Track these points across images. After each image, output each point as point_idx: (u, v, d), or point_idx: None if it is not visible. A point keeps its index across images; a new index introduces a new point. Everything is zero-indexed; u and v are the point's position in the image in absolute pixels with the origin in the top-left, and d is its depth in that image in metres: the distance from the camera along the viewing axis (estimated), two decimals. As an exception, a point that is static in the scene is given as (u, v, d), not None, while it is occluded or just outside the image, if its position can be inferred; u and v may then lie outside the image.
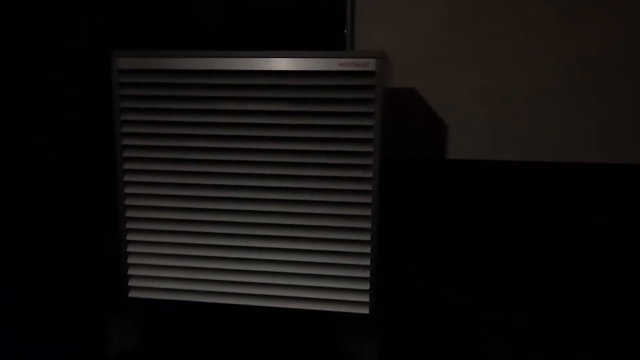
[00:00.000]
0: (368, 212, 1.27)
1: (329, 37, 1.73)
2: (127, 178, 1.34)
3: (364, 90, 1.23)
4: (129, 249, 1.37)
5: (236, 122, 1.28)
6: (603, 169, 1.63)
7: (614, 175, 1.63)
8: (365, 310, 1.31)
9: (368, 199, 1.27)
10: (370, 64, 1.21)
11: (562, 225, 1.65)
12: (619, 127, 1.62)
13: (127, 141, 1.32)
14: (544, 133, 1.64)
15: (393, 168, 1.48)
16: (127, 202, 1.35)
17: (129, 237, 1.36)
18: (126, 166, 1.34)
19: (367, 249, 1.29)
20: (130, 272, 1.37)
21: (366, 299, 1.31)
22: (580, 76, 1.61)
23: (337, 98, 1.25)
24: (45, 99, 1.52)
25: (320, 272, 1.32)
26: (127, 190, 1.35)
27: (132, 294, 1.38)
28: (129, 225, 1.36)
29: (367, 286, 1.31)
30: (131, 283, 1.38)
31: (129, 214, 1.36)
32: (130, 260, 1.37)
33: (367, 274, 1.30)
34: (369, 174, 1.26)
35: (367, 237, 1.29)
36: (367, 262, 1.30)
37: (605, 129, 1.62)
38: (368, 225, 1.28)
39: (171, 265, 1.36)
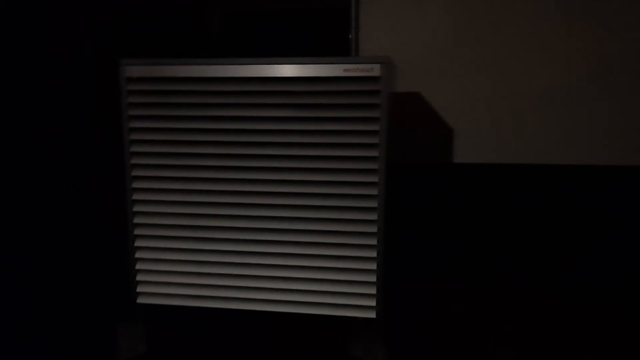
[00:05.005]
0: (374, 217, 1.28)
1: (333, 43, 1.74)
2: (135, 184, 1.35)
3: (370, 96, 1.24)
4: (138, 254, 1.38)
5: (243, 129, 1.29)
6: (609, 172, 1.62)
7: (620, 177, 1.62)
8: (372, 315, 1.31)
9: (374, 204, 1.27)
10: (375, 70, 1.22)
11: (568, 228, 1.65)
12: (624, 129, 1.61)
13: (135, 148, 1.34)
14: (549, 136, 1.64)
15: (399, 172, 1.48)
16: (136, 208, 1.36)
17: (138, 243, 1.38)
18: (134, 173, 1.35)
19: (374, 254, 1.29)
20: (139, 278, 1.38)
21: (373, 303, 1.31)
22: (586, 79, 1.61)
23: (342, 103, 1.25)
24: (55, 107, 1.54)
25: (328, 277, 1.32)
26: (136, 196, 1.36)
27: (140, 300, 1.39)
28: (137, 232, 1.37)
29: (373, 290, 1.31)
30: (140, 289, 1.39)
31: (137, 220, 1.37)
32: (139, 266, 1.38)
33: (373, 278, 1.30)
34: (375, 179, 1.26)
35: (374, 242, 1.29)
36: (374, 266, 1.30)
37: (611, 132, 1.62)
38: (374, 229, 1.28)
39: (180, 271, 1.37)
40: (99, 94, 1.62)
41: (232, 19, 1.83)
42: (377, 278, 1.30)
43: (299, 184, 1.30)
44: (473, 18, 1.62)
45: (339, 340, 1.41)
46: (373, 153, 1.25)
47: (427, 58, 1.65)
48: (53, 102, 1.54)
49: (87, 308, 1.59)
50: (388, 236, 1.28)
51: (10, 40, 1.41)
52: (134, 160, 1.34)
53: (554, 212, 1.65)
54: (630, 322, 1.53)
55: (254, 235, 1.33)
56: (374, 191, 1.27)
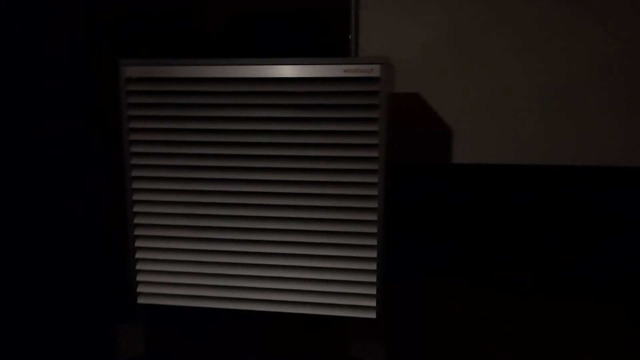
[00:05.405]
0: (374, 217, 1.28)
1: (333, 43, 1.74)
2: (135, 185, 1.35)
3: (369, 96, 1.24)
4: (138, 255, 1.38)
5: (243, 129, 1.29)
6: (609, 172, 1.62)
7: (620, 178, 1.62)
8: (372, 315, 1.31)
9: (374, 204, 1.27)
10: (374, 70, 1.22)
11: (568, 228, 1.65)
12: (624, 130, 1.61)
13: (135, 148, 1.34)
14: (549, 137, 1.64)
15: (398, 173, 1.48)
16: (136, 208, 1.36)
17: (138, 243, 1.38)
18: (134, 173, 1.35)
19: (374, 254, 1.29)
20: (139, 278, 1.38)
21: (373, 303, 1.31)
22: (586, 80, 1.61)
23: (342, 104, 1.25)
24: (55, 107, 1.54)
25: (328, 277, 1.32)
26: (136, 196, 1.36)
27: (141, 300, 1.39)
28: (137, 232, 1.37)
29: (373, 290, 1.31)
30: (140, 289, 1.39)
31: (137, 220, 1.37)
32: (139, 266, 1.38)
33: (373, 279, 1.30)
34: (375, 179, 1.26)
35: (374, 242, 1.29)
36: (374, 266, 1.30)
37: (611, 132, 1.62)
38: (374, 230, 1.28)
39: (180, 271, 1.37)
40: (98, 94, 1.62)
41: (232, 19, 1.83)
42: (377, 278, 1.30)
43: (298, 185, 1.30)
44: (473, 18, 1.62)
45: (340, 340, 1.41)
46: (373, 153, 1.25)
47: (427, 58, 1.65)
48: (53, 102, 1.54)
49: (87, 308, 1.60)
50: (388, 236, 1.28)
51: (11, 40, 1.41)
52: (134, 161, 1.34)
53: (554, 212, 1.65)
54: (630, 322, 1.53)
55: (254, 235, 1.33)
56: (373, 191, 1.27)
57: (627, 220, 1.63)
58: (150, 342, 1.47)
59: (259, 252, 1.34)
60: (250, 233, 1.33)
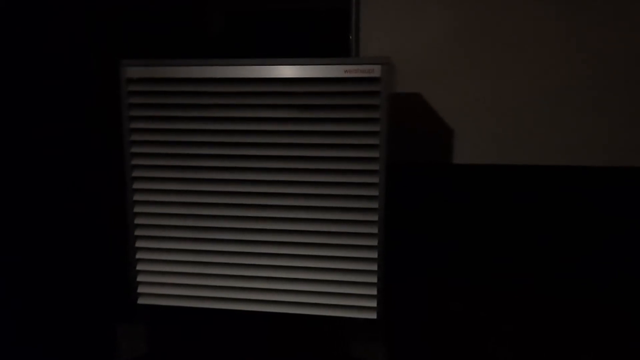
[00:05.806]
0: (375, 218, 1.28)
1: (334, 43, 1.73)
2: (136, 185, 1.35)
3: (370, 97, 1.24)
4: (138, 255, 1.38)
5: (243, 130, 1.29)
6: (609, 173, 1.62)
7: (620, 178, 1.62)
8: (372, 316, 1.31)
9: (375, 205, 1.27)
10: (375, 70, 1.22)
11: (569, 229, 1.65)
12: (624, 130, 1.61)
13: (135, 149, 1.34)
14: (550, 137, 1.64)
15: (399, 173, 1.48)
16: (136, 209, 1.36)
17: (138, 243, 1.37)
18: (135, 173, 1.35)
19: (374, 254, 1.29)
20: (140, 278, 1.38)
21: (373, 304, 1.31)
22: (586, 80, 1.61)
23: (342, 104, 1.25)
24: (55, 107, 1.54)
25: (328, 278, 1.32)
26: (136, 197, 1.36)
27: (141, 301, 1.39)
28: (138, 232, 1.37)
29: (374, 291, 1.31)
30: (140, 290, 1.39)
31: (138, 220, 1.37)
32: (139, 267, 1.38)
33: (374, 279, 1.30)
34: (375, 180, 1.26)
35: (374, 243, 1.29)
36: (374, 267, 1.30)
37: (611, 132, 1.62)
38: (375, 230, 1.28)
39: (181, 271, 1.37)
40: (99, 94, 1.62)
41: (232, 19, 1.83)
42: (378, 279, 1.30)
43: (299, 185, 1.30)
44: (473, 18, 1.62)
45: (340, 341, 1.41)
46: (373, 154, 1.26)
47: (428, 58, 1.65)
48: (53, 102, 1.54)
49: (87, 308, 1.60)
50: (389, 237, 1.28)
51: (11, 40, 1.41)
52: (135, 161, 1.34)
53: (554, 212, 1.65)
54: (630, 322, 1.53)
55: (254, 236, 1.33)
56: (374, 192, 1.27)
57: (627, 220, 1.63)
58: (150, 342, 1.47)
59: (259, 252, 1.34)
60: (250, 234, 1.33)
